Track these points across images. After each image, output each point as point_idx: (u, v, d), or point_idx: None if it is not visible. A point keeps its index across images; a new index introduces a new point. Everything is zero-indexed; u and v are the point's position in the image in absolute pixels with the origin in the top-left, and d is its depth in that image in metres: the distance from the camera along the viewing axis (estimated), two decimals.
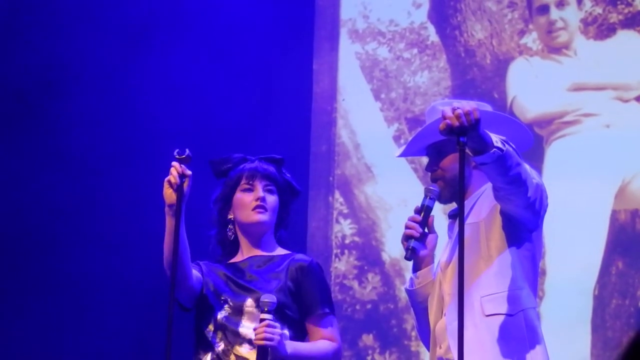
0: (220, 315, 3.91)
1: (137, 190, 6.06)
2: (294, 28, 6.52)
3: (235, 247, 4.04)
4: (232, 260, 4.04)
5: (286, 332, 3.87)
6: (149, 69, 6.41)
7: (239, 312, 3.90)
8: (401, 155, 3.86)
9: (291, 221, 4.10)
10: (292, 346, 3.85)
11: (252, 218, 3.98)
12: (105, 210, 6.27)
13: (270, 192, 4.01)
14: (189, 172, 3.81)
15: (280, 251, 4.03)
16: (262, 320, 3.79)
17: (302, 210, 6.35)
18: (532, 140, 3.77)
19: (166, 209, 3.82)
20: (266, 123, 6.29)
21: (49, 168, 6.33)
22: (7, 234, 6.29)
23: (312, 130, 6.51)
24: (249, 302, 3.89)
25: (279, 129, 6.28)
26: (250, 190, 4.00)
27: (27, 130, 6.38)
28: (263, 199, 3.98)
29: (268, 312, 3.80)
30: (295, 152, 6.35)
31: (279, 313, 3.86)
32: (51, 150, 6.35)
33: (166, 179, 3.82)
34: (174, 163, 3.82)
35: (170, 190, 3.80)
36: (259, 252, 4.01)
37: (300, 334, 3.94)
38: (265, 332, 3.76)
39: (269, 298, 3.81)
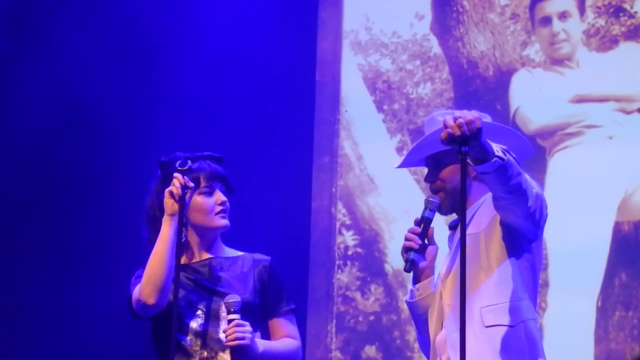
0: (196, 323, 3.85)
1: (135, 201, 6.07)
2: (297, 39, 6.53)
3: (180, 249, 3.88)
4: (184, 262, 3.94)
5: (258, 333, 3.85)
6: (151, 81, 6.43)
7: (215, 318, 3.85)
8: (400, 166, 3.84)
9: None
10: (262, 345, 3.83)
11: (215, 223, 3.93)
12: (103, 221, 6.29)
13: (225, 194, 3.97)
14: (191, 185, 3.81)
15: (234, 251, 3.99)
16: (230, 321, 3.75)
17: (305, 221, 6.35)
18: (532, 150, 3.76)
19: (165, 217, 3.81)
20: (269, 134, 6.30)
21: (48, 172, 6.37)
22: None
23: (315, 141, 6.51)
24: (224, 307, 3.83)
25: (282, 140, 6.29)
26: (209, 193, 3.93)
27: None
28: (225, 203, 3.93)
29: (235, 312, 3.76)
30: (298, 163, 6.37)
31: (251, 314, 3.83)
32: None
33: (167, 190, 3.81)
34: (177, 175, 3.82)
35: (172, 201, 3.80)
36: (217, 254, 3.96)
37: (265, 333, 3.91)
38: (236, 332, 3.73)
39: (233, 298, 3.78)
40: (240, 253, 4.00)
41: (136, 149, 6.27)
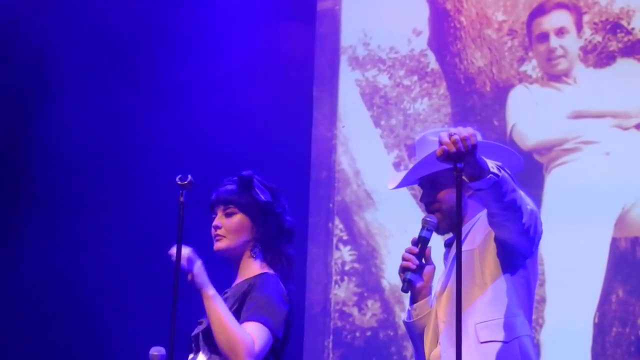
0: (190, 354, 3.74)
1: (134, 217, 6.09)
2: (295, 55, 6.55)
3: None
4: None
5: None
6: (151, 96, 6.44)
7: (197, 347, 3.73)
8: (395, 188, 3.81)
9: (273, 241, 3.82)
10: (207, 285, 3.62)
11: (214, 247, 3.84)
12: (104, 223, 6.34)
13: (229, 215, 3.82)
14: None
15: (258, 271, 3.80)
16: None
17: (302, 237, 6.35)
18: (522, 162, 3.74)
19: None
20: (266, 150, 6.31)
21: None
22: None
23: (312, 156, 6.52)
24: (201, 336, 3.72)
25: (279, 155, 6.29)
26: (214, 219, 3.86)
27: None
28: (216, 227, 3.81)
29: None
30: (296, 178, 6.37)
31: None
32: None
33: None
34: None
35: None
36: (240, 279, 3.82)
37: None
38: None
39: (156, 351, 3.62)
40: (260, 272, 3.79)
41: (134, 171, 6.31)
